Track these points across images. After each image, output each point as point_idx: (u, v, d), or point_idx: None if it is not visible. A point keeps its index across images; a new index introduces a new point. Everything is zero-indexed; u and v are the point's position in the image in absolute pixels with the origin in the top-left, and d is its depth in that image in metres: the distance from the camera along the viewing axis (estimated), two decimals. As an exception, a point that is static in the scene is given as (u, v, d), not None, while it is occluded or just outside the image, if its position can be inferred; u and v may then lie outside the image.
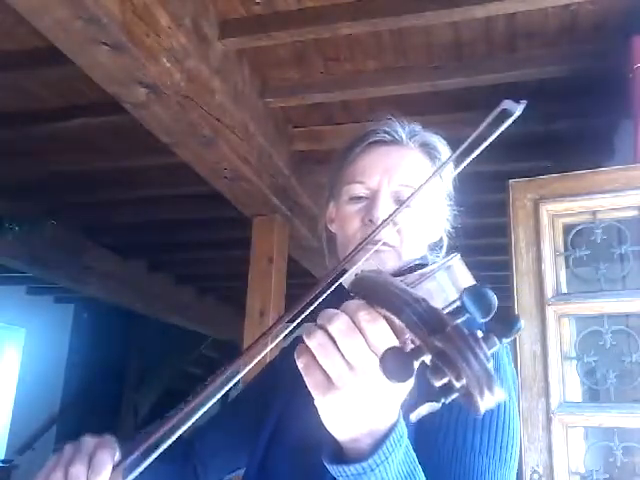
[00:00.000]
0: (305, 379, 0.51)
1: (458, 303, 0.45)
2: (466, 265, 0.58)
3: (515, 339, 1.80)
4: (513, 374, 0.77)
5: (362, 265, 0.67)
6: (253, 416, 0.92)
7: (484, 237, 3.66)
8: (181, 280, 5.43)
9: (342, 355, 0.49)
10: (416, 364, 0.43)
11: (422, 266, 0.70)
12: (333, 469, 0.53)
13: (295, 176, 2.73)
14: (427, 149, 0.87)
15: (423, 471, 0.57)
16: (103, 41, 1.49)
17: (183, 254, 4.59)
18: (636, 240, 1.77)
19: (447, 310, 0.49)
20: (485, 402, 0.39)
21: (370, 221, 0.81)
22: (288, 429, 0.82)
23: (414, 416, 0.44)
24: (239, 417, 0.97)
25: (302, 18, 1.85)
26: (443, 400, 0.42)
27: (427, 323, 0.44)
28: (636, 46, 1.82)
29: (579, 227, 1.84)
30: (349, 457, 0.53)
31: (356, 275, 0.60)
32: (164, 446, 0.59)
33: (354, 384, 0.49)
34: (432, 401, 0.43)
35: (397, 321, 0.48)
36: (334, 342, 0.50)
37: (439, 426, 0.68)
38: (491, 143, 0.60)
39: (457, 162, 0.56)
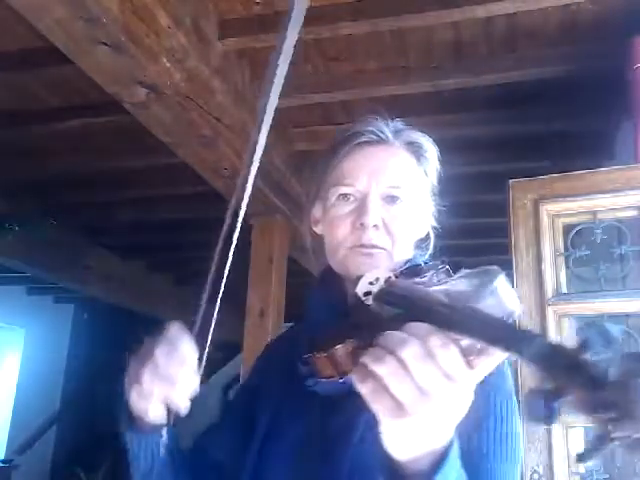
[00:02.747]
0: (371, 404, 0.51)
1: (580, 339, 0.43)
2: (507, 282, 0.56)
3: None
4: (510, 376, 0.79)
5: (359, 270, 0.67)
6: (247, 419, 0.90)
7: (484, 237, 3.66)
8: (181, 280, 5.43)
9: (415, 381, 0.49)
10: (557, 404, 0.42)
11: (418, 267, 0.70)
12: None
13: (295, 176, 2.73)
14: (413, 147, 0.87)
15: None
16: (103, 41, 1.49)
17: (183, 254, 4.59)
18: (636, 240, 1.77)
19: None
20: None
21: (361, 225, 0.80)
22: (282, 435, 0.81)
23: (590, 463, 0.43)
24: (238, 419, 0.95)
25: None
26: (611, 443, 0.40)
27: (566, 363, 0.42)
28: (636, 46, 1.82)
29: (579, 227, 1.84)
30: (407, 476, 0.54)
31: (373, 284, 0.60)
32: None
33: (426, 409, 0.49)
34: (600, 448, 0.41)
35: (465, 343, 0.49)
36: (406, 369, 0.49)
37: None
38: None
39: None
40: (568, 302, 1.79)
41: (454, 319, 0.50)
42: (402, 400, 0.49)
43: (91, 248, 4.29)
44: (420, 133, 0.89)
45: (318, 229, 0.91)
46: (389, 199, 0.82)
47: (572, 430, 1.72)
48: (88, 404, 6.15)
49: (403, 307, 0.55)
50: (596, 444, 0.41)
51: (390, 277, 0.62)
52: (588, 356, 0.42)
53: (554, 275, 1.82)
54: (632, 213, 1.79)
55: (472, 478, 0.65)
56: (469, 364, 0.50)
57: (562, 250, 1.84)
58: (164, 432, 0.75)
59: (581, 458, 0.42)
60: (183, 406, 0.71)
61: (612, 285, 1.78)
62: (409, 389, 0.49)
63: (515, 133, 2.55)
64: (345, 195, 0.83)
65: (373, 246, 0.80)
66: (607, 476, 1.68)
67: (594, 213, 1.81)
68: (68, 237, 4.06)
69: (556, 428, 1.70)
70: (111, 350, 6.67)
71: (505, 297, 0.53)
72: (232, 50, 2.02)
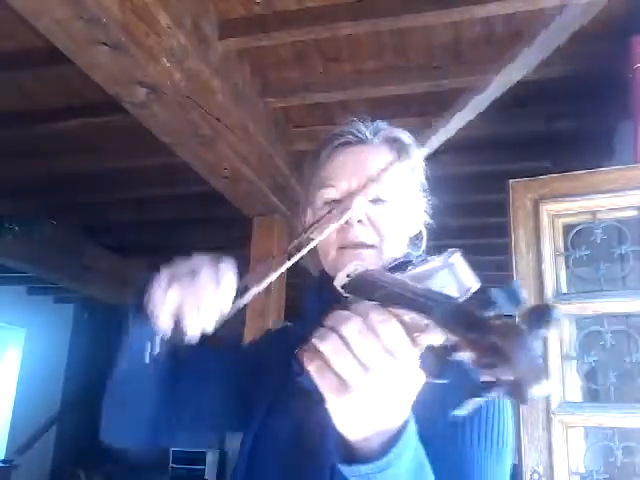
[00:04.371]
0: (317, 383, 0.51)
1: (487, 297, 0.45)
2: (467, 263, 0.58)
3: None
4: None
5: (345, 267, 0.67)
6: (230, 382, 0.92)
7: (484, 237, 3.65)
8: (181, 280, 5.42)
9: (356, 357, 0.50)
10: (450, 360, 0.44)
11: (407, 263, 0.70)
12: (345, 469, 0.54)
13: (295, 176, 2.73)
14: (394, 145, 0.87)
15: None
16: (103, 41, 1.49)
17: (183, 254, 4.58)
18: (636, 240, 1.77)
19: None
20: (536, 392, 0.39)
21: (346, 223, 0.81)
22: (277, 428, 0.82)
23: (458, 412, 0.45)
24: (221, 373, 0.95)
25: (302, 18, 1.85)
26: (488, 395, 0.42)
27: (465, 320, 0.44)
28: (636, 46, 1.82)
29: (579, 227, 1.84)
30: (360, 456, 0.53)
31: (350, 276, 0.60)
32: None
33: (369, 385, 0.50)
34: (476, 396, 0.43)
35: (409, 320, 0.49)
36: (348, 345, 0.50)
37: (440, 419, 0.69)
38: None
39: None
40: (568, 302, 1.79)
41: (390, 293, 0.51)
42: (344, 376, 0.50)
43: (91, 248, 4.29)
44: (400, 130, 0.89)
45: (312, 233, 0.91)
46: (374, 196, 0.83)
47: (572, 430, 1.72)
48: (88, 404, 6.14)
49: (366, 294, 0.56)
50: (478, 392, 0.43)
51: (366, 269, 0.62)
52: (491, 314, 0.44)
53: (554, 275, 1.82)
54: (632, 213, 1.79)
55: (456, 468, 0.65)
56: (414, 340, 0.50)
57: (562, 250, 1.84)
58: (156, 339, 0.70)
59: (457, 410, 0.45)
60: (194, 329, 0.65)
61: (612, 285, 1.78)
62: (351, 365, 0.49)
63: (515, 133, 2.55)
64: (330, 197, 0.84)
65: (361, 243, 0.81)
66: (607, 476, 1.68)
67: (594, 213, 1.81)
68: (68, 237, 4.06)
69: (556, 428, 1.70)
70: (111, 350, 6.67)
71: (461, 273, 0.55)
72: (232, 50, 2.02)
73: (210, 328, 0.66)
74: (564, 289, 1.82)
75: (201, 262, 0.68)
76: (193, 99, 1.84)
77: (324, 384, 0.51)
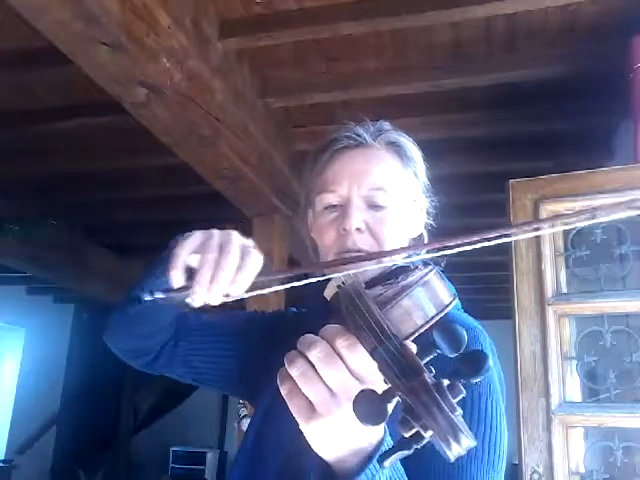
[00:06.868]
0: (289, 405, 0.51)
1: (430, 338, 0.45)
2: (443, 278, 0.58)
3: (515, 339, 1.80)
4: (500, 375, 0.78)
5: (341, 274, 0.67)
6: (240, 348, 0.97)
7: (484, 237, 3.65)
8: (181, 280, 5.42)
9: (323, 382, 0.49)
10: (390, 407, 0.43)
11: (404, 269, 0.70)
12: None
13: (295, 176, 2.73)
14: (394, 147, 0.87)
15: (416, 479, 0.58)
16: (103, 41, 1.49)
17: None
18: (636, 240, 1.77)
19: (422, 329, 0.49)
20: (453, 452, 0.39)
21: (345, 230, 0.81)
22: (276, 428, 0.81)
23: (387, 463, 0.45)
24: (234, 334, 1.01)
25: (302, 18, 1.85)
26: (415, 447, 0.42)
27: (398, 368, 0.44)
28: (636, 46, 1.82)
29: (579, 227, 1.84)
30: (338, 475, 0.53)
31: (338, 287, 0.60)
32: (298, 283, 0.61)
33: (337, 410, 0.49)
34: (404, 449, 0.43)
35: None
36: (315, 369, 0.50)
37: None
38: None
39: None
40: (568, 302, 1.79)
41: (354, 319, 0.51)
42: (312, 400, 0.49)
43: (91, 248, 4.29)
44: (400, 133, 0.89)
45: (313, 234, 0.91)
46: (373, 202, 0.83)
47: (572, 430, 1.72)
48: (88, 404, 6.15)
49: (339, 312, 0.56)
50: (404, 446, 0.43)
51: (352, 283, 0.61)
52: (431, 357, 0.45)
53: (554, 275, 1.82)
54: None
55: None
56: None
57: (562, 250, 1.84)
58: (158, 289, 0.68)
59: (382, 457, 0.45)
60: (199, 299, 0.62)
61: (612, 285, 1.78)
62: (318, 389, 0.49)
63: (515, 133, 2.55)
64: (330, 202, 0.84)
65: (359, 250, 0.80)
66: (607, 476, 1.68)
67: (594, 213, 1.81)
68: (68, 237, 4.06)
69: (556, 428, 1.70)
70: (111, 350, 6.66)
71: (437, 290, 0.55)
72: (232, 50, 2.02)
73: (214, 303, 0.63)
74: (564, 289, 1.82)
75: (235, 239, 0.65)
76: (193, 99, 1.84)
77: (294, 407, 0.51)
